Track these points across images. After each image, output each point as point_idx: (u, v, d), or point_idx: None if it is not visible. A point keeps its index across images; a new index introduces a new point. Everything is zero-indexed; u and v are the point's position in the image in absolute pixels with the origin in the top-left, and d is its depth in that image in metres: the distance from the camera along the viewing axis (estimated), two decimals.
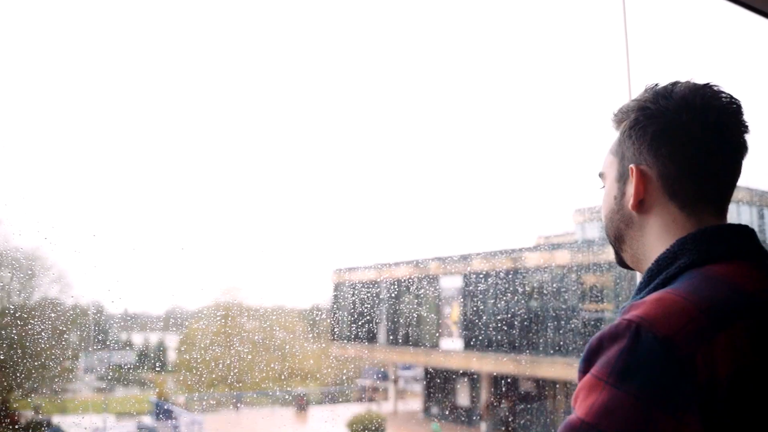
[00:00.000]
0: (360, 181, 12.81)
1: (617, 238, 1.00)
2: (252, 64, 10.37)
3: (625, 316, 0.75)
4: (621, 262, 1.05)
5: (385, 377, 12.92)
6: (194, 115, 9.53)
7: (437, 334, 12.14)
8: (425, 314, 12.35)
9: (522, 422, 11.68)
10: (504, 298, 11.38)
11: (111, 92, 8.05)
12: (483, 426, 11.74)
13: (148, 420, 7.54)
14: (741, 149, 0.92)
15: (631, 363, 0.70)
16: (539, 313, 10.90)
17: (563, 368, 10.71)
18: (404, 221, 13.37)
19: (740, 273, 0.79)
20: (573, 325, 10.70)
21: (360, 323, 11.77)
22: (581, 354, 0.79)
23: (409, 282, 12.32)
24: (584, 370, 0.76)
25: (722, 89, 0.92)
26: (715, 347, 0.69)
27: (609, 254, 10.65)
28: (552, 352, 10.76)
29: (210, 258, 7.78)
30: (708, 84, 0.91)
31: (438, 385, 12.79)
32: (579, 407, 0.73)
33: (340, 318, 11.97)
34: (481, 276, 11.77)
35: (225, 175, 9.90)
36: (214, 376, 8.15)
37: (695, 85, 0.91)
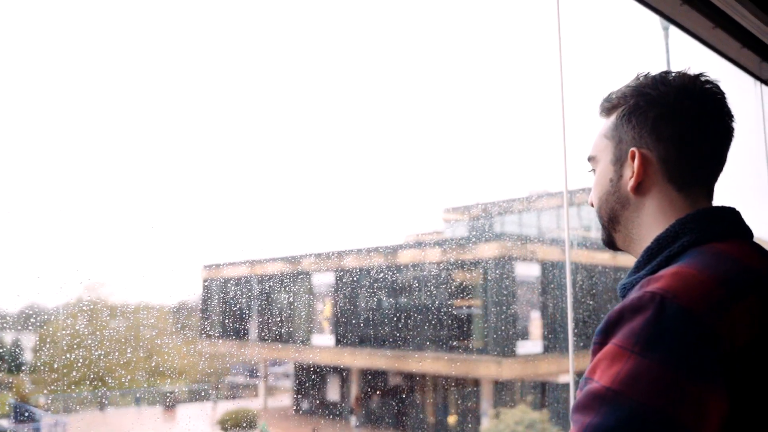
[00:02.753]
0: (231, 175, 12.58)
1: (611, 219, 1.02)
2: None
3: (647, 288, 0.78)
4: (610, 243, 1.06)
5: (255, 374, 12.76)
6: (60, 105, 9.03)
7: (309, 330, 12.15)
8: (297, 310, 12.32)
9: (391, 415, 11.92)
10: (375, 294, 11.57)
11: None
12: (353, 420, 11.87)
13: (5, 423, 7.04)
14: (730, 135, 0.98)
15: (656, 332, 0.73)
16: (410, 308, 11.16)
17: (432, 362, 11.04)
18: (276, 217, 13.26)
19: (741, 250, 0.85)
20: (441, 321, 11.05)
21: (230, 320, 11.56)
22: (599, 325, 0.82)
23: (282, 278, 12.25)
24: (602, 342, 0.79)
25: (711, 79, 0.98)
26: (734, 318, 0.74)
27: (477, 252, 11.11)
28: (421, 346, 11.05)
29: (70, 253, 7.39)
30: (701, 73, 0.98)
31: (309, 380, 12.79)
32: (602, 376, 0.75)
33: (209, 314, 11.71)
34: (353, 272, 11.89)
35: (88, 166, 9.41)
36: (77, 375, 7.74)
37: (689, 74, 0.97)
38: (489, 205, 12.98)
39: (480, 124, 14.72)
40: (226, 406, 10.96)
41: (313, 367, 12.46)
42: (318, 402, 12.70)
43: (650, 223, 0.96)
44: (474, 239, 11.71)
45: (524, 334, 11.32)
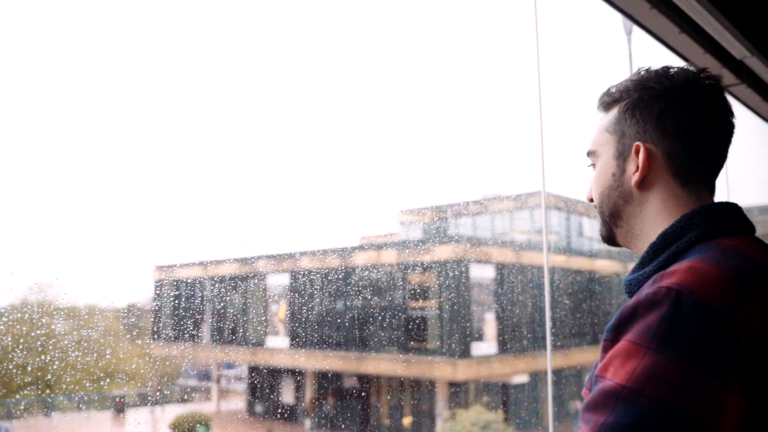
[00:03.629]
0: (184, 175, 12.37)
1: (613, 215, 0.99)
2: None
3: (661, 283, 0.76)
4: (610, 239, 1.03)
5: (207, 377, 12.57)
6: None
7: (264, 332, 12.02)
8: (251, 312, 12.18)
9: (346, 417, 11.87)
10: (331, 296, 11.51)
11: None
12: (307, 422, 11.79)
13: None
14: (732, 131, 0.97)
15: (673, 328, 0.72)
16: (365, 310, 11.14)
17: (388, 364, 11.04)
18: (230, 219, 13.09)
19: (747, 246, 0.84)
20: (397, 322, 11.06)
21: (183, 322, 11.34)
22: (612, 321, 0.80)
23: (236, 279, 12.09)
24: (614, 339, 0.77)
25: (713, 75, 0.98)
26: (750, 313, 0.73)
27: (434, 254, 11.15)
28: (377, 348, 11.04)
29: (15, 252, 7.18)
30: (703, 69, 0.97)
31: (263, 383, 12.65)
32: (616, 374, 0.73)
33: (161, 316, 11.47)
34: (308, 274, 11.81)
35: (36, 165, 9.15)
36: (22, 380, 7.51)
37: (691, 69, 0.97)
38: (444, 208, 13.07)
39: (436, 127, 14.79)
40: (177, 410, 10.77)
41: (267, 369, 12.33)
42: (272, 404, 12.57)
43: (654, 218, 0.95)
44: (430, 240, 11.75)
45: (479, 336, 11.41)
